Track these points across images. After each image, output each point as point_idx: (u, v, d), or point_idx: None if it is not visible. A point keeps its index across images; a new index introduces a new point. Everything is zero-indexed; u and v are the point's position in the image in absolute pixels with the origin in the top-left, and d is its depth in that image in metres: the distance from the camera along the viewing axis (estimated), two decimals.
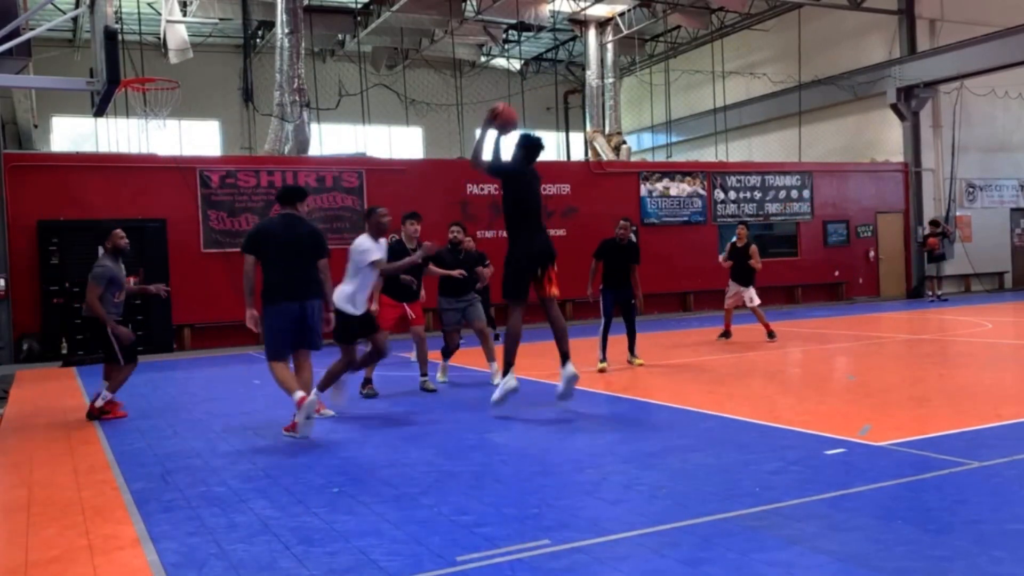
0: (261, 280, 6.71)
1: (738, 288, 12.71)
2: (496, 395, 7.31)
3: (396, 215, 13.17)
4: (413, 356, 10.23)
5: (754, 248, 12.74)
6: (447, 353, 9.54)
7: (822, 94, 22.52)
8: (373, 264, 7.54)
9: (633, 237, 10.59)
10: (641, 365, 10.17)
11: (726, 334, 12.83)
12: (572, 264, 14.84)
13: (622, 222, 10.35)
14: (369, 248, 7.55)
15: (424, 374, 9.02)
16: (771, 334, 12.53)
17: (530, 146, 7.41)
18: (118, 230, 8.15)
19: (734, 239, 12.93)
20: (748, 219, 19.76)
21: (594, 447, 6.07)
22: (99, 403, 7.99)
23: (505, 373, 7.26)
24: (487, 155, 7.33)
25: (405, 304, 9.04)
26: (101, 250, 8.30)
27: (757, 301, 12.72)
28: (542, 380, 8.95)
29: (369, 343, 7.70)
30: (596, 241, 10.61)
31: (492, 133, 7.32)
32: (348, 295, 7.42)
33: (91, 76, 8.18)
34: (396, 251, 8.51)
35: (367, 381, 8.91)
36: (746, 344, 12.21)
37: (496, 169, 7.47)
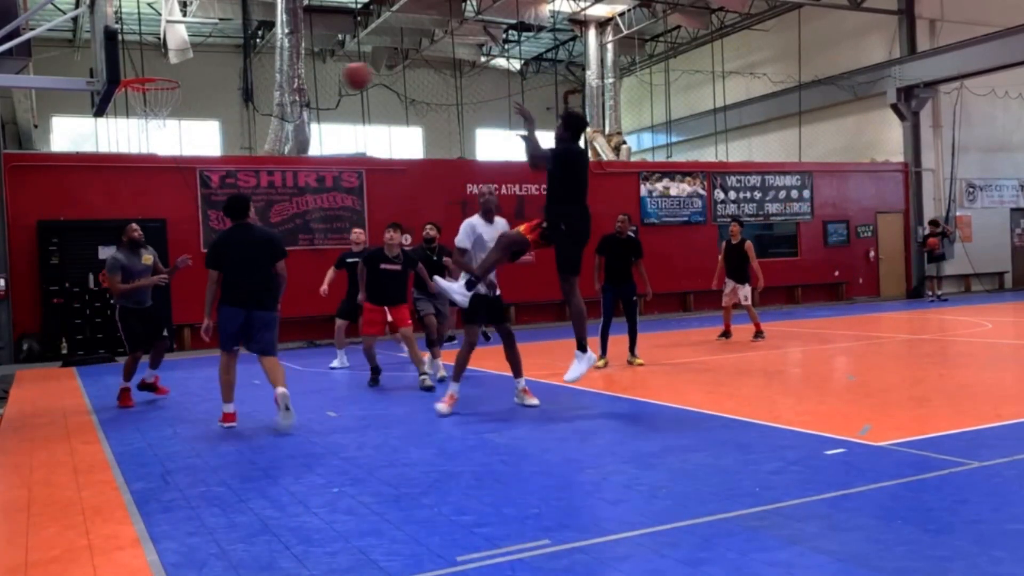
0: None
1: (734, 285, 12.72)
2: (579, 373, 7.25)
3: (396, 215, 13.21)
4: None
5: (749, 244, 12.74)
6: (431, 343, 9.71)
7: (822, 94, 22.51)
8: (462, 249, 7.61)
9: (632, 233, 10.65)
10: (641, 365, 10.16)
11: (726, 334, 12.82)
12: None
13: (621, 216, 10.49)
14: (474, 226, 7.59)
15: (422, 373, 9.04)
16: (758, 334, 12.55)
17: (578, 123, 7.42)
18: (133, 224, 8.85)
19: (729, 237, 12.98)
20: (747, 218, 19.76)
21: (594, 447, 6.07)
22: (149, 379, 9.08)
23: (584, 349, 7.26)
24: (532, 145, 7.15)
25: (386, 308, 9.27)
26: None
27: (750, 300, 12.73)
28: (542, 380, 8.94)
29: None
30: (596, 241, 10.62)
31: (537, 135, 7.20)
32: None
33: (91, 76, 8.18)
34: (373, 258, 9.26)
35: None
36: (746, 344, 12.21)
37: (560, 152, 7.23)
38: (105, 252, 14.28)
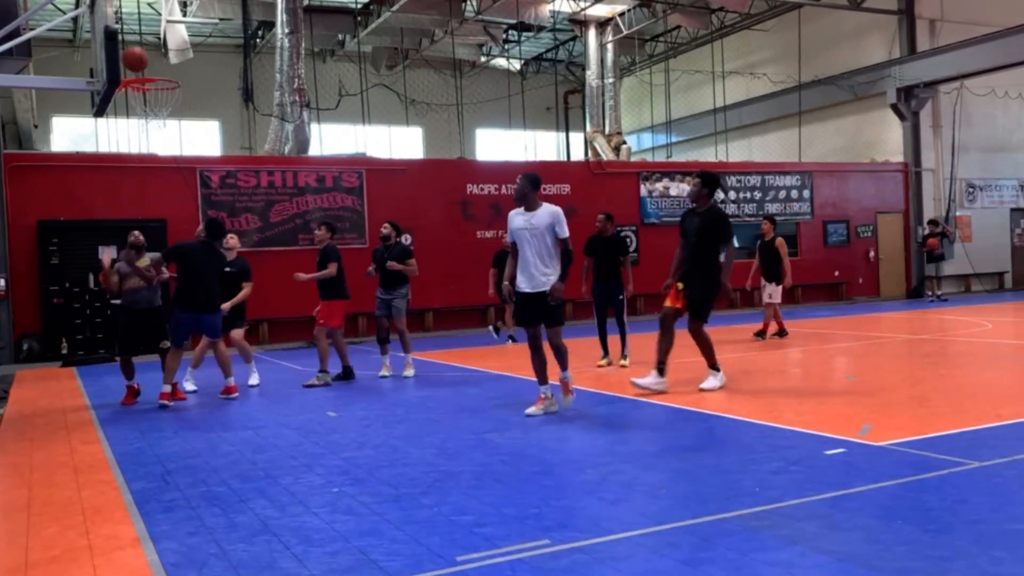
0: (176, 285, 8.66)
1: (764, 283, 12.78)
2: (711, 386, 8.25)
3: (396, 215, 13.20)
4: (405, 356, 10.30)
5: (780, 241, 12.73)
6: (380, 341, 10.25)
7: (822, 94, 22.51)
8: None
9: (631, 236, 10.68)
10: (624, 367, 10.01)
11: (781, 332, 12.75)
12: (573, 264, 14.84)
13: (600, 216, 10.58)
14: (509, 217, 7.40)
15: (322, 370, 9.65)
16: (760, 334, 12.55)
17: (717, 183, 8.76)
18: (134, 230, 9.12)
19: (761, 234, 13.01)
20: (747, 218, 19.73)
21: (594, 447, 6.07)
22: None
23: (717, 368, 8.41)
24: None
25: (323, 301, 9.83)
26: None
27: (776, 300, 12.72)
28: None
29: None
30: (582, 243, 10.66)
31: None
32: (520, 273, 7.28)
33: (91, 76, 8.19)
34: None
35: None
36: (746, 343, 12.21)
37: (729, 226, 8.49)
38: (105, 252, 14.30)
